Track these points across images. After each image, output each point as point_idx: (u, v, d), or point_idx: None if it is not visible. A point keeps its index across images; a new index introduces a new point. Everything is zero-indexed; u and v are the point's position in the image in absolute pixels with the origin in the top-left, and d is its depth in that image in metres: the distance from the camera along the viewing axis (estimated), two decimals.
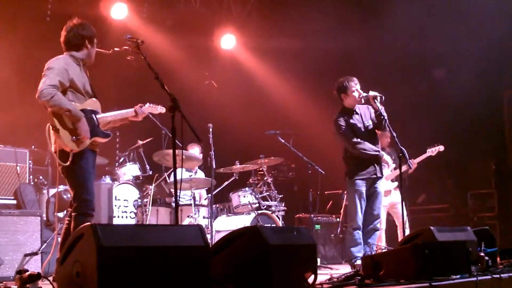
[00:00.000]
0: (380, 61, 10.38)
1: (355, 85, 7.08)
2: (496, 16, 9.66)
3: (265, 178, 8.88)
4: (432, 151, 8.43)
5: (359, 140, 6.99)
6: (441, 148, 8.44)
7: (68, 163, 5.04)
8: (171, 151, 4.98)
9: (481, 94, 10.23)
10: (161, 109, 6.03)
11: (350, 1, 10.60)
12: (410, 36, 10.21)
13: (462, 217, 10.51)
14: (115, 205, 8.36)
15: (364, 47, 10.63)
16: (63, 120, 5.07)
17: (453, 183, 11.22)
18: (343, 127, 7.03)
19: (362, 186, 6.99)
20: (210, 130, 8.13)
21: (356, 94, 7.05)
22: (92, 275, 3.23)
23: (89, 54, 5.45)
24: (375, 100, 6.89)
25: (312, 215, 9.35)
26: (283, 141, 8.87)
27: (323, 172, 9.02)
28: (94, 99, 5.40)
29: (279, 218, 8.46)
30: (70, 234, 4.53)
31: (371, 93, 6.94)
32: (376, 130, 7.20)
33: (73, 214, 5.15)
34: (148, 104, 5.82)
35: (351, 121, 7.10)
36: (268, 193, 8.81)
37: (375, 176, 7.00)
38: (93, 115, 5.28)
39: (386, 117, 6.86)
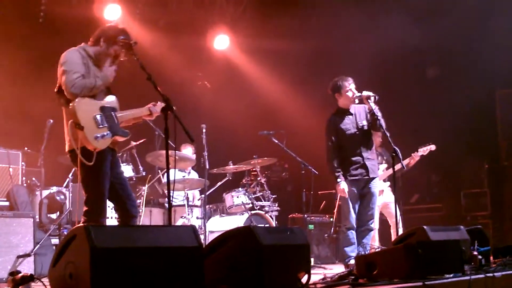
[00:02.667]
0: (374, 61, 10.38)
1: (349, 85, 7.08)
2: (487, 15, 9.69)
3: (259, 179, 8.88)
4: (423, 151, 8.45)
5: (333, 155, 7.05)
6: (432, 147, 8.46)
7: (92, 162, 4.83)
8: (164, 151, 4.97)
9: (474, 93, 10.26)
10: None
11: (343, 1, 10.59)
12: (404, 36, 10.22)
13: (455, 216, 10.52)
14: (108, 206, 8.30)
15: (358, 47, 10.63)
16: (87, 115, 4.89)
17: (446, 183, 11.24)
18: (329, 134, 7.08)
19: (354, 186, 7.00)
20: (203, 130, 8.13)
21: (350, 94, 7.06)
22: (85, 276, 3.22)
23: (99, 53, 5.17)
24: (369, 100, 6.89)
25: (305, 215, 9.35)
26: (276, 141, 8.87)
27: (317, 172, 9.02)
28: (113, 96, 5.25)
29: (272, 218, 8.47)
30: None
31: (365, 93, 6.94)
32: (370, 130, 7.21)
33: (83, 218, 4.94)
34: (159, 102, 5.47)
35: (341, 125, 7.11)
36: (261, 193, 8.81)
37: (367, 177, 7.00)
38: (112, 112, 5.13)
39: (380, 117, 6.86)
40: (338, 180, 6.99)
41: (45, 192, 7.80)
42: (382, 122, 6.85)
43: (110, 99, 5.22)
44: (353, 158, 7.04)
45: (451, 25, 9.89)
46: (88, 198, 4.97)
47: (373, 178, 7.08)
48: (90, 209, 4.95)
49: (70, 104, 4.86)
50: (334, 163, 7.05)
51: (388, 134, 6.66)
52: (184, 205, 8.17)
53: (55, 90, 5.09)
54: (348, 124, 7.12)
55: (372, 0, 10.73)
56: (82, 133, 4.84)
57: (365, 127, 7.14)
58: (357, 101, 7.11)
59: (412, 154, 8.41)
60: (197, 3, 11.30)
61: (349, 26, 10.44)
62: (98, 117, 4.96)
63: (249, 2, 11.80)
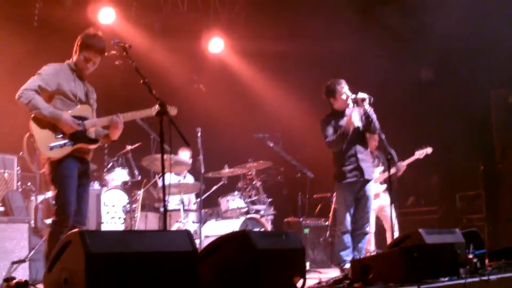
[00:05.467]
0: (368, 63, 10.40)
1: (343, 88, 7.06)
2: (483, 16, 9.71)
3: (254, 182, 8.87)
4: (420, 154, 8.46)
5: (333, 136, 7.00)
6: (429, 150, 8.47)
7: (48, 172, 5.06)
8: (160, 155, 4.96)
9: (469, 95, 10.27)
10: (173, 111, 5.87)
11: (338, 4, 10.60)
12: (398, 39, 10.25)
13: (450, 219, 10.52)
14: (104, 211, 8.32)
15: (354, 50, 10.65)
16: (40, 128, 5.07)
17: (441, 185, 11.25)
18: (327, 126, 7.04)
19: (350, 190, 6.98)
20: (199, 134, 8.12)
21: (344, 96, 7.04)
22: (80, 281, 3.22)
23: (78, 60, 5.32)
24: (364, 102, 6.89)
25: (301, 219, 9.35)
26: (271, 144, 8.86)
27: (312, 176, 9.02)
28: (85, 105, 5.35)
29: (268, 222, 8.46)
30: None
31: (360, 95, 6.92)
32: (365, 133, 7.20)
33: (51, 220, 5.14)
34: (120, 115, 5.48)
35: (340, 122, 7.09)
36: (257, 197, 8.79)
37: (362, 179, 6.98)
38: (80, 121, 5.22)
39: (375, 119, 6.86)
40: (343, 122, 6.97)
41: (40, 197, 7.77)
42: (377, 124, 6.84)
43: (81, 108, 5.31)
44: (348, 159, 7.02)
45: (446, 25, 9.91)
46: (55, 203, 5.15)
47: (368, 180, 7.06)
48: (55, 211, 5.11)
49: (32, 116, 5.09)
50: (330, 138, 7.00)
51: (383, 137, 6.65)
52: (179, 210, 8.15)
53: None
54: (343, 125, 7.11)
55: (367, 2, 10.75)
56: (36, 144, 5.06)
57: (360, 129, 7.12)
58: (351, 104, 7.09)
59: (407, 160, 8.42)
60: (191, 6, 11.31)
61: (345, 28, 10.44)
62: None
63: (243, 6, 11.82)
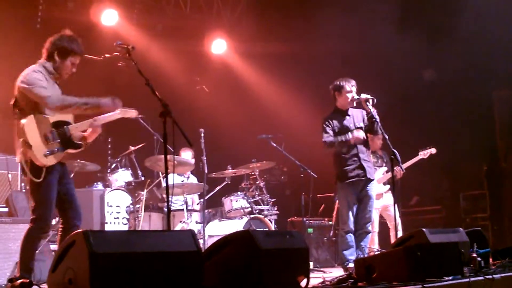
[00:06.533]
0: (372, 65, 10.39)
1: (350, 87, 7.10)
2: (485, 16, 9.71)
3: (257, 182, 8.88)
4: (424, 154, 8.46)
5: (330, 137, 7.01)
6: (433, 150, 8.46)
7: (41, 179, 4.98)
8: (163, 156, 4.97)
9: (471, 95, 10.27)
10: (133, 113, 5.87)
11: (341, 4, 10.60)
12: (400, 39, 10.23)
13: (454, 218, 10.52)
14: (107, 212, 8.34)
15: (357, 51, 10.65)
16: (36, 133, 5.02)
17: (445, 185, 11.24)
18: (327, 127, 7.05)
19: (352, 189, 6.98)
20: (202, 135, 8.13)
21: (349, 95, 7.06)
22: (85, 282, 3.22)
23: (58, 67, 5.28)
24: (367, 103, 6.91)
25: (304, 219, 9.35)
26: (275, 145, 8.87)
27: (315, 176, 9.02)
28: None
29: (271, 222, 8.46)
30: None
31: (363, 95, 6.96)
32: (368, 134, 7.21)
33: (29, 225, 5.09)
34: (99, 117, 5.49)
35: (344, 122, 7.10)
36: (260, 197, 8.81)
37: (364, 178, 6.98)
38: (65, 126, 5.21)
39: (378, 120, 6.87)
40: (349, 136, 6.95)
41: None
42: (380, 125, 6.86)
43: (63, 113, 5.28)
44: (350, 158, 7.02)
45: (448, 25, 9.91)
46: (35, 208, 5.07)
47: (370, 180, 7.06)
48: (36, 217, 5.06)
49: (21, 122, 5.00)
50: (335, 139, 7.01)
51: (387, 137, 6.66)
52: (183, 210, 8.16)
53: (11, 103, 5.19)
54: (345, 124, 7.12)
55: (370, 3, 10.74)
56: (31, 151, 4.96)
57: (362, 129, 7.13)
58: (355, 104, 7.11)
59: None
60: (194, 8, 11.32)
61: (348, 30, 10.44)
62: (49, 133, 5.08)
63: (246, 7, 11.83)
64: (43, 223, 5.07)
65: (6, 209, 7.41)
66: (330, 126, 7.07)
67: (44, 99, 5.00)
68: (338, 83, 7.17)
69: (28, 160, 4.99)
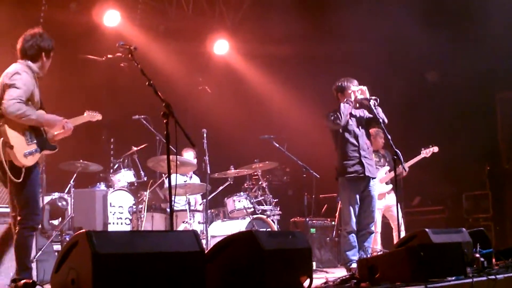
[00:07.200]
0: (374, 64, 10.39)
1: (354, 86, 7.10)
2: (488, 18, 9.70)
3: (260, 183, 8.88)
4: (426, 152, 8.46)
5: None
6: (435, 149, 8.46)
7: (20, 179, 5.00)
8: (165, 157, 4.98)
9: (474, 96, 10.27)
10: (98, 116, 5.99)
11: (344, 5, 10.60)
12: (403, 40, 10.24)
13: (457, 219, 10.51)
14: (110, 212, 8.34)
15: (359, 51, 10.64)
16: (17, 134, 5.05)
17: (448, 185, 11.23)
18: (330, 113, 7.05)
19: (353, 188, 6.97)
20: (204, 135, 8.14)
21: (352, 95, 7.06)
22: (87, 282, 3.23)
23: (43, 66, 5.36)
24: (369, 103, 6.91)
25: (307, 219, 9.35)
26: (277, 145, 8.87)
27: (318, 176, 9.02)
28: (42, 111, 5.35)
29: (274, 222, 8.46)
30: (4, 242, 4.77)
31: (366, 94, 6.96)
32: (370, 133, 7.23)
33: (18, 227, 5.08)
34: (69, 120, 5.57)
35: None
36: (263, 198, 8.81)
37: (363, 175, 6.97)
38: (41, 128, 5.28)
39: (381, 119, 6.86)
40: (349, 103, 6.96)
41: (47, 198, 7.79)
42: (383, 125, 6.86)
43: (40, 114, 5.29)
44: (350, 154, 7.01)
45: (452, 27, 9.90)
46: (23, 207, 5.10)
47: (371, 178, 7.04)
48: (25, 216, 5.08)
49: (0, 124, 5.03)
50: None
51: (389, 137, 6.66)
52: (186, 210, 8.17)
53: None
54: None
55: (372, 4, 10.75)
56: (12, 151, 4.99)
57: (363, 128, 7.13)
58: (357, 104, 7.11)
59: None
60: (196, 9, 11.33)
61: (350, 30, 10.44)
62: (28, 134, 5.13)
63: (248, 8, 11.83)
64: (34, 222, 5.14)
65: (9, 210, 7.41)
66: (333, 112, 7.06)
67: (7, 101, 5.00)
68: (340, 83, 7.17)
69: (7, 160, 5.01)
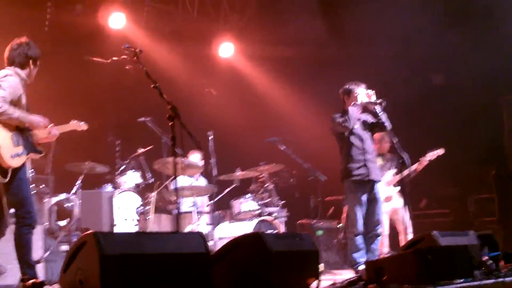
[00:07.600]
0: (381, 67, 10.38)
1: (360, 89, 7.10)
2: (495, 20, 9.69)
3: (266, 185, 8.87)
4: (432, 155, 8.43)
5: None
6: (441, 151, 8.44)
7: (7, 179, 5.07)
8: (171, 159, 4.98)
9: (480, 99, 10.25)
10: (83, 126, 6.06)
11: (348, 7, 10.60)
12: (409, 43, 10.23)
13: (463, 222, 10.48)
14: (117, 213, 8.35)
15: (364, 53, 10.64)
16: (4, 135, 5.11)
17: (454, 188, 11.21)
18: (335, 114, 7.05)
19: (359, 191, 6.97)
20: (210, 138, 8.14)
21: (358, 98, 7.06)
22: (95, 282, 3.24)
23: (31, 74, 5.47)
24: (376, 106, 6.91)
25: (313, 221, 9.34)
26: (283, 147, 8.86)
27: (326, 178, 9.01)
28: (25, 112, 5.41)
29: (280, 225, 8.46)
30: None
31: (373, 98, 6.96)
32: (373, 136, 7.23)
33: (16, 225, 5.19)
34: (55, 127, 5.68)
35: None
36: (269, 200, 8.80)
37: (368, 178, 6.97)
38: (28, 132, 5.37)
39: (387, 123, 6.86)
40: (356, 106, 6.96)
41: (54, 199, 7.81)
42: (389, 128, 6.85)
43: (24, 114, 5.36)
44: (355, 157, 7.02)
45: (458, 30, 9.89)
46: (20, 207, 5.20)
47: (375, 181, 7.04)
48: (22, 215, 5.18)
49: None
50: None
51: (395, 141, 6.64)
52: (192, 212, 8.16)
53: None
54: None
55: (381, 6, 10.74)
56: None
57: (368, 131, 7.14)
58: (361, 108, 7.12)
59: (421, 159, 8.38)
60: (201, 11, 11.33)
61: (357, 32, 10.44)
62: (14, 136, 5.21)
63: (254, 10, 11.83)
64: (31, 220, 5.21)
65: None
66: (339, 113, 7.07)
67: None
68: (348, 86, 7.18)
69: None
